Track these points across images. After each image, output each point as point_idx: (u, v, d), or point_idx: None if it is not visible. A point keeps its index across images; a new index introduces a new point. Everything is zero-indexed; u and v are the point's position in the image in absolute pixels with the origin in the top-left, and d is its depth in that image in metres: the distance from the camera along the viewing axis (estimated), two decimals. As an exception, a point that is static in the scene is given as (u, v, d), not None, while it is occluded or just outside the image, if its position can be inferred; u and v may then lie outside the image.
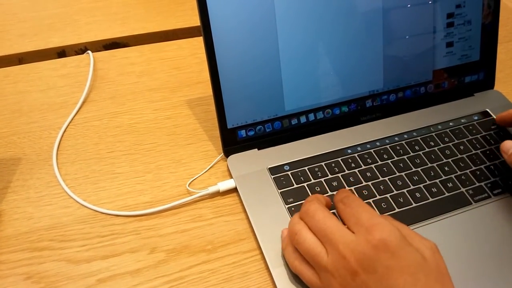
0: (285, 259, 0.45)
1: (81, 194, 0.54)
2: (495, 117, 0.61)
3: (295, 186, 0.52)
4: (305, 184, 0.52)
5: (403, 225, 0.40)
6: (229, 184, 0.53)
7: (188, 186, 0.54)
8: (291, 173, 0.53)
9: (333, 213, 0.47)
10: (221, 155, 0.57)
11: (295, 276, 0.44)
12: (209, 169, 0.56)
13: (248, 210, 0.50)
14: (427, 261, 0.37)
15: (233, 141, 0.56)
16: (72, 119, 0.62)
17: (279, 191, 0.52)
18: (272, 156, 0.55)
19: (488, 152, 0.56)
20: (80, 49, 0.76)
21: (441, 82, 0.62)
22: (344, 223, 0.41)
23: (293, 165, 0.54)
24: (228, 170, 0.55)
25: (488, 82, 0.65)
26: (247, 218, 0.51)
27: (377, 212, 0.48)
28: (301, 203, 0.50)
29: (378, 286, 0.36)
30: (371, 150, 0.56)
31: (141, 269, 0.47)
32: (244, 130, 0.55)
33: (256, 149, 0.56)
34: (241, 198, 0.52)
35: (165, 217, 0.52)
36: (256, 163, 0.55)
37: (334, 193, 0.51)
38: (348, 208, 0.41)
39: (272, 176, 0.53)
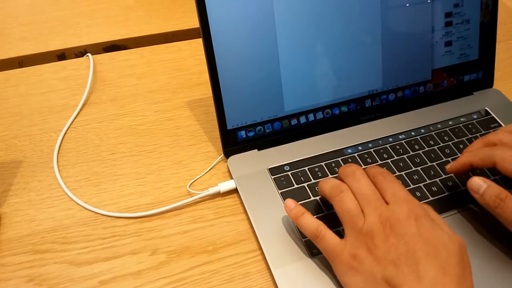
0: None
1: (83, 196, 0.54)
2: (494, 115, 0.61)
3: (296, 186, 0.52)
4: (305, 184, 0.52)
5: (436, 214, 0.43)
6: (229, 185, 0.53)
7: (189, 187, 0.54)
8: (291, 173, 0.54)
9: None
10: (221, 156, 0.57)
11: (296, 276, 0.45)
12: (209, 170, 0.57)
13: (248, 210, 0.50)
14: (452, 244, 0.39)
15: (233, 142, 0.56)
16: (72, 121, 0.63)
17: (280, 191, 0.52)
18: (272, 156, 0.56)
19: (487, 150, 0.56)
20: (80, 52, 0.76)
21: (440, 81, 0.63)
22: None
23: (293, 165, 0.55)
24: (229, 171, 0.55)
25: (487, 80, 0.65)
26: (248, 218, 0.51)
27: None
28: (302, 203, 0.50)
29: (405, 249, 0.39)
30: (371, 150, 0.56)
31: (142, 271, 0.47)
32: (244, 131, 0.56)
33: (256, 150, 0.56)
34: (242, 198, 0.52)
35: (167, 218, 0.52)
36: (256, 163, 0.55)
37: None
38: (387, 181, 0.44)
39: (272, 177, 0.53)
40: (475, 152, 0.49)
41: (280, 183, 0.53)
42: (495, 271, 0.45)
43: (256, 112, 0.55)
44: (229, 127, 0.55)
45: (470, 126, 0.60)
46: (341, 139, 0.58)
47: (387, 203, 0.42)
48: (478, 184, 0.45)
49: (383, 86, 0.60)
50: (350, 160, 0.55)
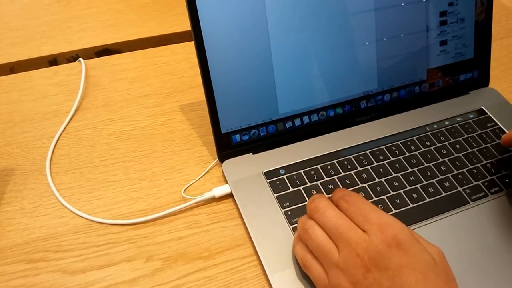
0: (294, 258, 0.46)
1: (76, 203, 0.53)
2: (490, 114, 0.61)
3: (291, 189, 0.52)
4: (301, 188, 0.52)
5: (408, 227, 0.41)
6: (224, 189, 0.53)
7: (183, 192, 0.54)
8: (286, 176, 0.53)
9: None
10: (216, 160, 0.57)
11: (292, 282, 0.44)
12: (204, 174, 0.56)
13: (244, 215, 0.50)
14: (436, 263, 0.38)
15: (227, 146, 0.55)
16: (65, 127, 0.62)
17: (275, 195, 0.51)
18: (267, 160, 0.55)
19: (484, 150, 0.56)
20: (72, 57, 0.75)
21: (436, 81, 0.62)
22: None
23: (288, 168, 0.54)
24: (223, 175, 0.55)
25: (482, 79, 0.65)
26: (244, 223, 0.50)
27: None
28: (297, 207, 0.50)
29: (390, 284, 0.36)
30: (367, 152, 0.56)
31: (137, 278, 0.46)
32: (238, 135, 0.55)
33: (251, 154, 0.56)
34: (237, 203, 0.51)
35: (161, 224, 0.51)
36: (251, 167, 0.54)
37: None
38: (353, 206, 0.42)
39: (268, 180, 0.53)
40: None
41: (276, 186, 0.52)
42: (489, 271, 0.45)
43: (250, 115, 0.55)
44: (223, 131, 0.54)
45: (466, 125, 0.59)
46: (336, 141, 0.57)
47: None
48: None
49: (378, 87, 0.59)
50: (345, 162, 0.54)
